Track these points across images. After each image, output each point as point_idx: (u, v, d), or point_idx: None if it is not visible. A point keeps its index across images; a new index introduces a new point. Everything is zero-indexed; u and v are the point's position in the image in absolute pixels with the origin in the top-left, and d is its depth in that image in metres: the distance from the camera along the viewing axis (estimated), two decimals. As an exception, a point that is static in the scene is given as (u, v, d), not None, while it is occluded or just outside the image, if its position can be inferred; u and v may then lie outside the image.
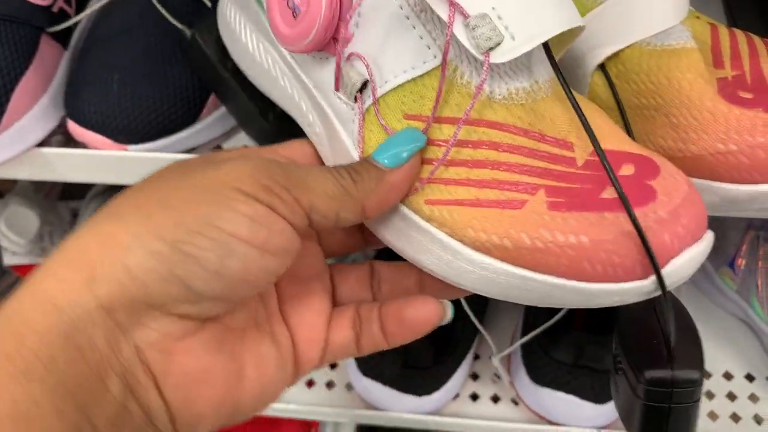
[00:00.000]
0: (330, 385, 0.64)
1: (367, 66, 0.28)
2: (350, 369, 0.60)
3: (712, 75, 0.31)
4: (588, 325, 0.60)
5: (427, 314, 0.28)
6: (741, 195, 0.30)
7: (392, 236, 0.28)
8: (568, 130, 0.27)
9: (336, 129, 0.30)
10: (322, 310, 0.29)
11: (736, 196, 0.30)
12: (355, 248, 0.33)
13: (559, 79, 0.27)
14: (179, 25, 0.40)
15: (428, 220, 0.26)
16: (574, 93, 0.27)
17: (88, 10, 0.44)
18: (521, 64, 0.28)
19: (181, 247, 0.22)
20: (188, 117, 0.42)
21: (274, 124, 0.39)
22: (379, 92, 0.28)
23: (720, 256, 0.62)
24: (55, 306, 0.21)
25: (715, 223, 0.28)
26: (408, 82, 0.28)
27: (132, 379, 0.22)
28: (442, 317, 0.29)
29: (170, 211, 0.23)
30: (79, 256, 0.22)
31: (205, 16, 0.39)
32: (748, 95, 0.30)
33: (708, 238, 0.26)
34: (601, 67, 0.33)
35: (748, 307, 0.60)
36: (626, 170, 0.26)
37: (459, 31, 0.26)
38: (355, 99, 0.28)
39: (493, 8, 0.26)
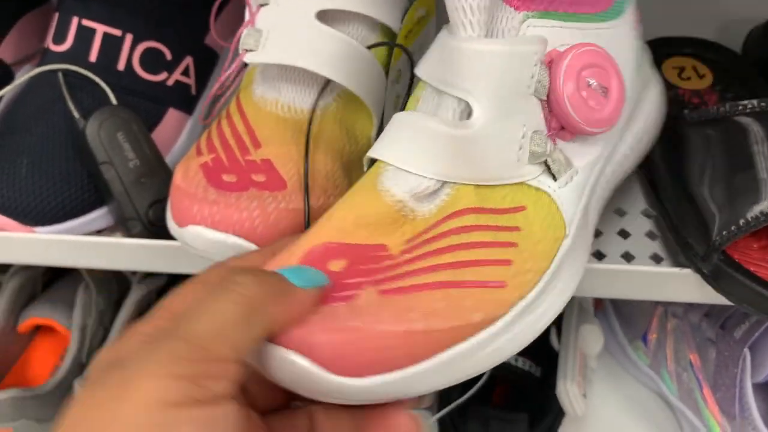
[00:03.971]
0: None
1: None
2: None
3: (380, 236, 0.29)
4: (502, 402, 0.61)
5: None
6: None
7: None
8: (265, 136, 0.38)
9: None
10: None
11: None
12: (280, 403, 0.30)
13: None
14: (76, 114, 0.41)
15: None
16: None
17: (1, 92, 0.46)
18: (270, 81, 0.40)
19: None
20: (95, 200, 0.44)
21: (146, 231, 0.41)
22: None
23: (633, 330, 0.64)
24: None
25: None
26: None
27: None
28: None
29: None
30: None
31: (102, 111, 0.41)
32: (338, 267, 0.28)
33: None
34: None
35: (659, 381, 0.62)
36: (259, 177, 0.36)
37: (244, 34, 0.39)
38: None
39: (268, 30, 0.38)
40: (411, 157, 0.31)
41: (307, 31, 0.39)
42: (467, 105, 0.31)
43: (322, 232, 0.30)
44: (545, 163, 0.32)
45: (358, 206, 0.31)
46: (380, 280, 0.27)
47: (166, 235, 0.41)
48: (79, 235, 0.43)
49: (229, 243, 0.34)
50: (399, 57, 0.44)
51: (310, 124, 0.38)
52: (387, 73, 0.43)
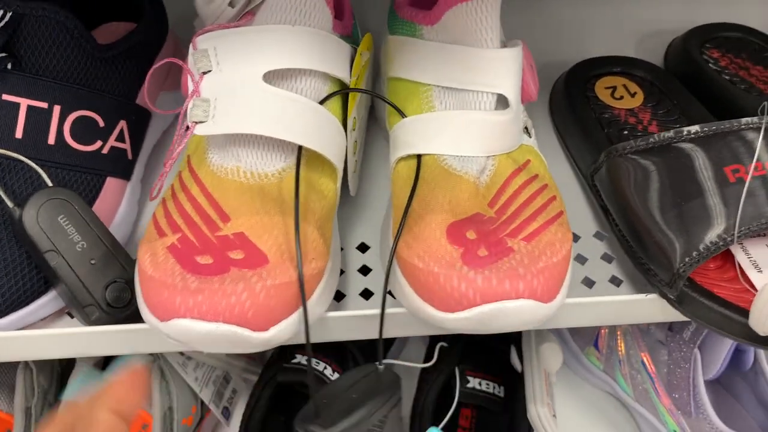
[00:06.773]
0: None
1: None
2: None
3: (473, 207, 0.37)
4: (468, 425, 0.62)
5: None
6: (435, 317, 0.34)
7: None
8: (232, 208, 0.36)
9: None
10: None
11: (430, 317, 0.35)
12: None
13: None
14: (9, 204, 0.38)
15: None
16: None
17: None
18: (225, 147, 0.39)
19: None
20: (38, 288, 0.40)
21: (106, 316, 0.39)
22: None
23: (585, 337, 0.66)
24: None
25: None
26: None
27: None
28: None
29: None
30: None
31: (38, 196, 0.38)
32: (473, 236, 0.35)
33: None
34: (418, 156, 0.41)
35: (615, 384, 0.64)
36: (236, 254, 0.34)
37: (191, 105, 0.37)
38: None
39: (215, 98, 0.37)
40: (468, 144, 0.40)
41: (257, 95, 0.38)
42: (497, 97, 0.41)
43: (437, 217, 0.36)
44: (526, 127, 0.44)
45: (449, 190, 0.38)
46: (508, 234, 0.35)
47: (126, 316, 0.39)
48: (26, 330, 0.40)
49: (220, 332, 0.31)
50: (354, 105, 0.43)
51: (297, 189, 0.37)
52: (345, 122, 0.42)
